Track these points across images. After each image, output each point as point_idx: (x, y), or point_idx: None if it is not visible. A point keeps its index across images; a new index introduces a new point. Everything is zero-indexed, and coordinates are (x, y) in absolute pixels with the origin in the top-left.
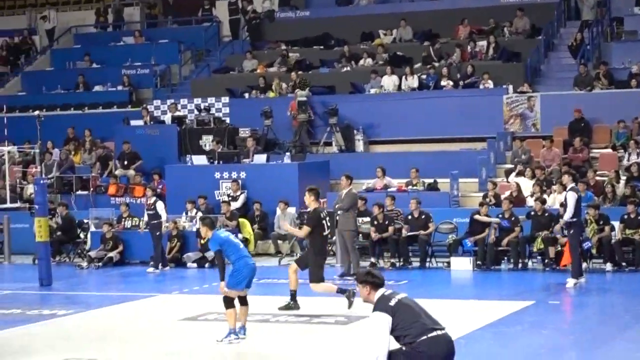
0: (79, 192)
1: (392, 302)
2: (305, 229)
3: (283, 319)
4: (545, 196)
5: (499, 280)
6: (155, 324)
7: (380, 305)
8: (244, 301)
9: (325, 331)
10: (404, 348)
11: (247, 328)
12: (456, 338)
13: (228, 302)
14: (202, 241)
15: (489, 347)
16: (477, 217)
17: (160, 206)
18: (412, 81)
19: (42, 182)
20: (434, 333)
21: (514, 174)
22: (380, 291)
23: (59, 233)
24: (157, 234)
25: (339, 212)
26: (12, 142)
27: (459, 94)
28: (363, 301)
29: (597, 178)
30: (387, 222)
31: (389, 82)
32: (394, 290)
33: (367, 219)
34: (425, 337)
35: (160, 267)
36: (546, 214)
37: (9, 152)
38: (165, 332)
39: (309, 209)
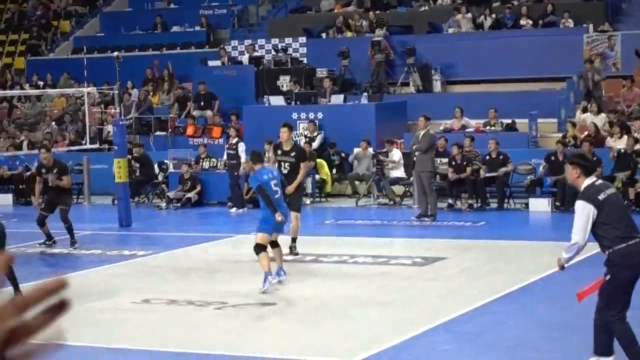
0: (157, 132)
1: (601, 196)
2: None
3: (361, 260)
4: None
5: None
6: (233, 265)
7: (588, 194)
8: (274, 244)
9: (404, 272)
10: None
11: (284, 268)
12: (534, 280)
13: (259, 248)
14: None
15: (566, 289)
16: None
17: (241, 147)
18: (489, 20)
19: (121, 123)
20: (632, 241)
21: (578, 111)
22: (591, 179)
23: (137, 173)
24: (235, 174)
25: (416, 153)
26: (92, 82)
27: (538, 33)
28: (570, 182)
29: None
30: (465, 163)
31: (464, 21)
32: (603, 183)
33: (445, 160)
34: (622, 245)
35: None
36: (628, 154)
37: (88, 93)
38: (243, 273)
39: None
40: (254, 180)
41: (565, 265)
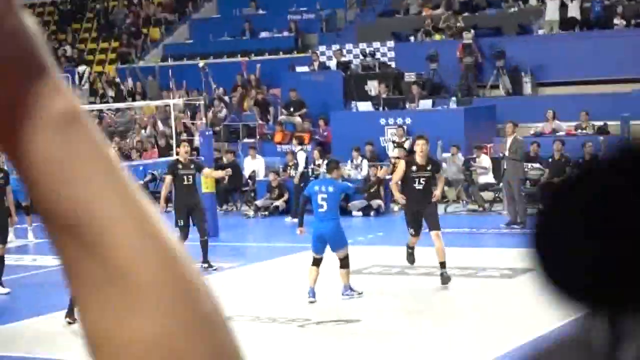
0: (246, 139)
1: None
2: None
3: (449, 272)
4: None
5: None
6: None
7: None
8: (340, 263)
9: (492, 285)
10: None
11: (351, 286)
12: None
13: (313, 261)
14: (370, 189)
15: None
16: None
17: (301, 156)
18: (574, 9)
19: (207, 133)
20: None
21: None
22: None
23: (225, 181)
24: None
25: (505, 160)
26: (184, 89)
27: (631, 33)
28: None
29: None
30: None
31: (551, 8)
32: None
33: (537, 165)
34: None
35: None
36: None
37: (174, 104)
38: (326, 286)
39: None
40: (306, 189)
41: None
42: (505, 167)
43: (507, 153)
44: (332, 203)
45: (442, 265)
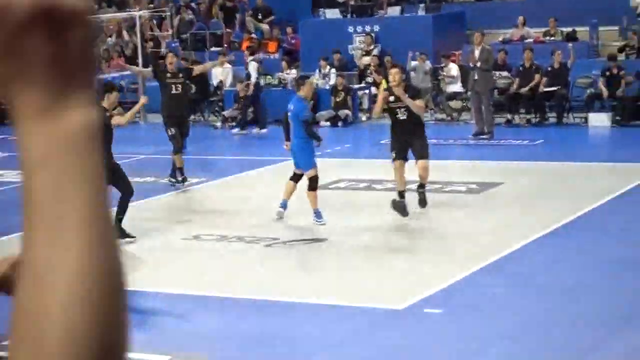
0: (213, 48)
1: None
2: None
3: (414, 187)
4: None
5: (637, 139)
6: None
7: None
8: (308, 184)
9: (457, 201)
10: None
11: (319, 212)
12: (589, 209)
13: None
14: (337, 99)
15: (624, 220)
16: None
17: (252, 66)
18: None
19: (173, 45)
20: None
21: None
22: None
23: (193, 91)
24: (247, 94)
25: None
26: None
27: None
28: None
29: None
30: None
31: None
32: None
33: (505, 73)
34: None
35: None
36: None
37: (140, 16)
38: (298, 204)
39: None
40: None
41: None
42: (475, 77)
43: (478, 64)
44: (295, 121)
45: (422, 186)
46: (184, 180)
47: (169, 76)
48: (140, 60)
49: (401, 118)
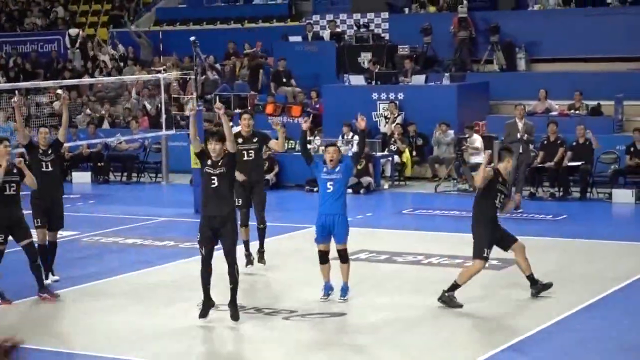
0: (237, 110)
1: None
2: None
3: (436, 260)
4: None
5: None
6: (306, 264)
7: None
8: (341, 258)
9: (480, 277)
10: None
11: (349, 288)
12: (614, 290)
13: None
14: (359, 166)
15: None
16: None
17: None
18: None
19: (198, 108)
20: None
21: None
22: None
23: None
24: None
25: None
26: (173, 54)
27: (627, 10)
28: None
29: None
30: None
31: None
32: None
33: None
34: None
35: None
36: None
37: (164, 78)
38: (317, 274)
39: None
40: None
41: None
42: (521, 150)
43: (525, 136)
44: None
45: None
46: None
47: (240, 142)
48: (163, 121)
49: (497, 204)
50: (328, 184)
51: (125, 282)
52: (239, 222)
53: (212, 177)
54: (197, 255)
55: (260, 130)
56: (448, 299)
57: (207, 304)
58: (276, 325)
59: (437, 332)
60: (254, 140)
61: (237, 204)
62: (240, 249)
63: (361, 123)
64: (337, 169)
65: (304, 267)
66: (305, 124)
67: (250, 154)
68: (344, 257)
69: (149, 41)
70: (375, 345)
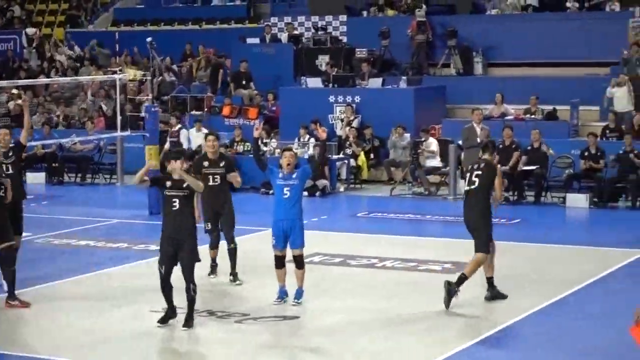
0: (193, 112)
1: None
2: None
3: (390, 264)
4: None
5: (615, 221)
6: (259, 267)
7: None
8: (296, 263)
9: (433, 280)
10: None
11: (304, 291)
12: (566, 294)
13: (274, 261)
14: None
15: (600, 308)
16: None
17: (183, 135)
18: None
19: (153, 109)
20: None
21: (610, 86)
22: None
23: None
24: None
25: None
26: (128, 54)
27: (583, 16)
28: None
29: None
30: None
31: (512, 3)
32: None
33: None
34: None
35: None
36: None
37: (120, 79)
38: (270, 277)
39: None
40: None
41: None
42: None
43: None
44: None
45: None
46: None
47: (206, 165)
48: (119, 122)
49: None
50: (285, 189)
51: (78, 284)
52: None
53: (174, 200)
54: (151, 257)
55: (228, 154)
56: (453, 292)
57: (169, 314)
58: (229, 328)
59: (389, 335)
60: (221, 164)
61: (206, 227)
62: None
63: (322, 134)
64: (293, 175)
65: (258, 271)
66: (256, 131)
67: (216, 179)
68: (300, 262)
69: (105, 53)
70: (328, 348)
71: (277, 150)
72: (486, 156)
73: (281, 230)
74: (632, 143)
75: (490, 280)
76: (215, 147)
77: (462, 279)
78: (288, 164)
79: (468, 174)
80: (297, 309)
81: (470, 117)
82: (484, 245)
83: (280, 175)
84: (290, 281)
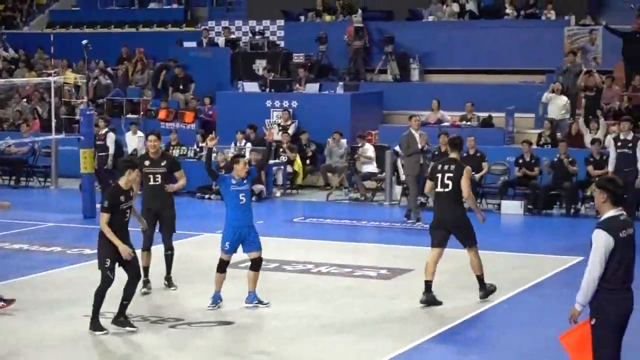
0: (129, 115)
1: (623, 234)
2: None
3: (325, 270)
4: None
5: (549, 228)
6: (195, 272)
7: (610, 226)
8: (252, 265)
9: (368, 286)
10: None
11: (257, 295)
12: (498, 302)
13: (218, 265)
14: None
15: (532, 314)
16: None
17: (110, 139)
18: (472, 5)
19: (87, 112)
20: (626, 289)
21: (547, 92)
22: (617, 211)
23: (110, 162)
24: (105, 167)
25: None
26: (64, 58)
27: (520, 24)
28: (596, 206)
29: None
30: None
31: (450, 11)
32: (627, 218)
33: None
34: (616, 289)
35: None
36: (604, 158)
37: (54, 82)
38: (206, 282)
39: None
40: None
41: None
42: (421, 162)
43: (425, 147)
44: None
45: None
46: None
47: (147, 164)
48: (53, 125)
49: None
50: (240, 195)
51: (11, 289)
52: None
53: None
54: (85, 261)
55: (170, 154)
56: (490, 291)
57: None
58: (163, 333)
59: (323, 341)
60: (162, 163)
61: (142, 228)
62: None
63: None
64: (244, 181)
65: (191, 277)
66: (211, 142)
67: (157, 179)
68: (259, 264)
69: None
70: (262, 353)
71: (215, 155)
72: (454, 155)
73: (237, 235)
74: (567, 150)
75: (428, 284)
76: (157, 146)
77: (480, 279)
78: (247, 172)
79: (439, 175)
80: (231, 314)
81: (407, 123)
82: (473, 238)
83: (234, 182)
84: (227, 287)
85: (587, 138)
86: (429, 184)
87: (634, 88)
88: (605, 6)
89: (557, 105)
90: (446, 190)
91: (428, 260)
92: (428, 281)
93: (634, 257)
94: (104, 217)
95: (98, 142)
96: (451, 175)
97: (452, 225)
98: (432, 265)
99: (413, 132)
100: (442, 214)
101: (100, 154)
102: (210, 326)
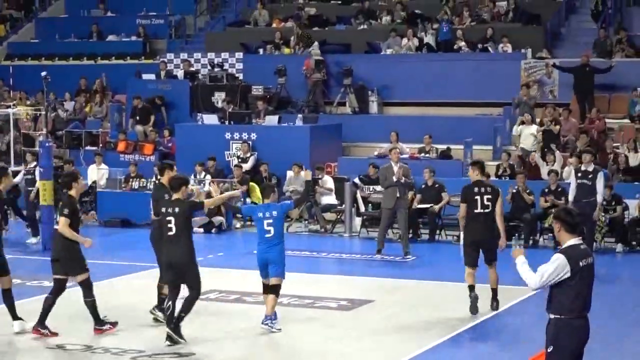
0: (88, 147)
1: (582, 263)
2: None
3: (285, 301)
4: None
5: (509, 259)
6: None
7: (571, 254)
8: (265, 289)
9: (328, 317)
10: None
11: (272, 318)
12: (459, 331)
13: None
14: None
15: (493, 343)
16: None
17: (38, 172)
18: (430, 38)
19: (47, 144)
20: (582, 317)
21: (516, 125)
22: (577, 240)
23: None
24: (35, 201)
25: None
26: (22, 90)
27: (477, 57)
28: (557, 238)
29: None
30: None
31: (408, 44)
32: (587, 248)
33: (379, 187)
34: (574, 317)
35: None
36: (559, 189)
37: (13, 113)
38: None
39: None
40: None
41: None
42: (398, 194)
43: (402, 179)
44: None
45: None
46: None
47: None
48: (12, 157)
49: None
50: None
51: None
52: None
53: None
54: (43, 294)
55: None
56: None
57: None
58: None
59: None
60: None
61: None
62: None
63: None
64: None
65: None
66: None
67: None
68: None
69: None
70: None
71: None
72: (483, 178)
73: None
74: (525, 182)
75: (471, 287)
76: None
77: (495, 291)
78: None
79: (477, 197)
80: (192, 347)
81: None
82: (496, 256)
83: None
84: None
85: (544, 170)
86: (463, 207)
87: (589, 120)
88: (560, 39)
89: (528, 135)
90: (486, 211)
91: (466, 277)
92: (471, 285)
93: (592, 287)
94: (67, 222)
95: (26, 176)
96: (490, 197)
97: (487, 246)
98: (472, 279)
99: (392, 164)
100: (480, 235)
101: (30, 188)
102: (172, 358)
